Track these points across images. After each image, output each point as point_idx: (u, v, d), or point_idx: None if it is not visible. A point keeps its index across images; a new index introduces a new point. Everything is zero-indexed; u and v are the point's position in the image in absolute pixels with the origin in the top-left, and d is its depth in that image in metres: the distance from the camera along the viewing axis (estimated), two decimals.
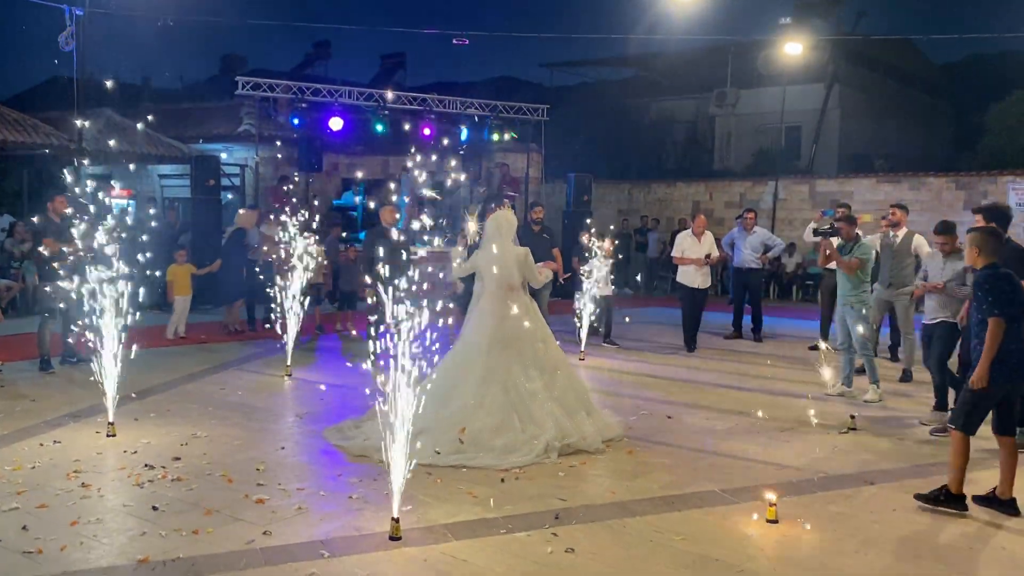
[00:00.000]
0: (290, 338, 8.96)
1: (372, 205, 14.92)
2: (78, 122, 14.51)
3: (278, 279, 8.83)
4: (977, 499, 5.26)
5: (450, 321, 10.48)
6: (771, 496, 5.02)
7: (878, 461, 6.33)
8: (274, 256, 9.31)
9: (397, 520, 4.57)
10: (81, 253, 7.31)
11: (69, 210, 8.64)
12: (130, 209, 16.86)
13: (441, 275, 9.80)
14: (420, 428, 5.98)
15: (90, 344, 6.58)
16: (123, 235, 6.81)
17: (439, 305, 4.94)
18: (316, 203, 9.84)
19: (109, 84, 17.51)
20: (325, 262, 12.22)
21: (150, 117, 16.12)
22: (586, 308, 10.31)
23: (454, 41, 18.75)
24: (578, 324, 10.37)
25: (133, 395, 7.41)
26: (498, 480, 5.63)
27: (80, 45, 14.76)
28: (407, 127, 17.73)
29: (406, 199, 17.80)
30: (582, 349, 10.40)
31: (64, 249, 8.22)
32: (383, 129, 17.62)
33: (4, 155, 16.74)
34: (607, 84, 31.18)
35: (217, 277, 12.15)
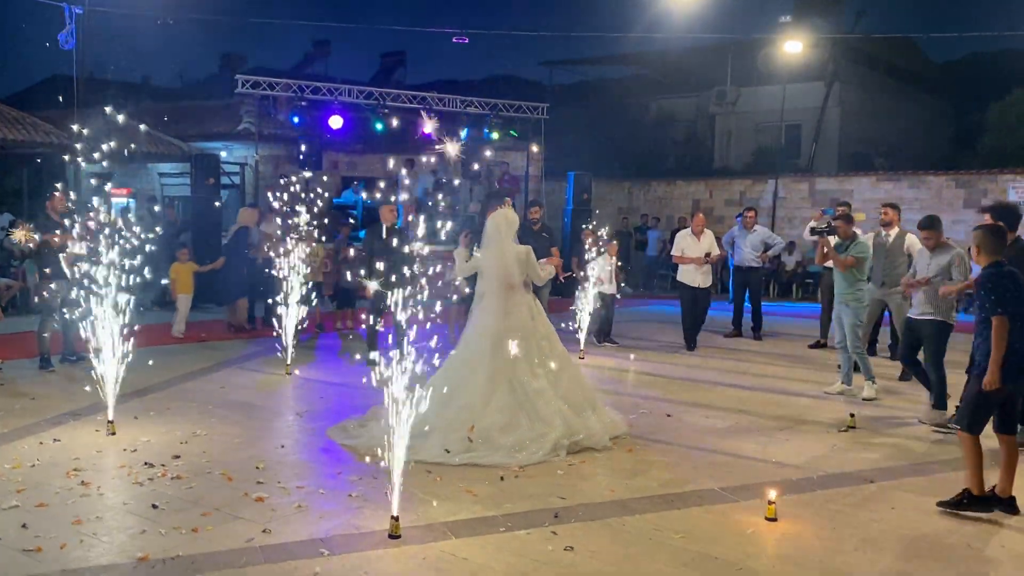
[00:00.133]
0: (290, 336, 8.97)
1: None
2: (76, 125, 14.51)
3: (279, 270, 8.84)
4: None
5: (452, 320, 10.55)
6: (771, 494, 5.03)
7: (877, 459, 6.33)
8: (273, 254, 9.31)
9: (396, 518, 4.58)
10: (80, 242, 7.30)
11: (69, 205, 8.67)
12: (132, 209, 16.85)
13: (443, 273, 9.79)
14: (427, 428, 6.02)
15: (89, 343, 6.59)
16: (123, 231, 6.80)
17: (440, 304, 4.95)
18: (320, 201, 9.80)
19: (109, 82, 17.52)
20: (327, 260, 12.23)
21: (144, 124, 16.13)
22: (586, 307, 10.31)
23: (454, 39, 18.73)
24: (577, 324, 10.37)
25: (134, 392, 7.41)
26: (498, 478, 5.63)
27: (80, 43, 14.77)
28: (396, 124, 17.72)
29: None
30: (582, 348, 10.40)
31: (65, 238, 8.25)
32: (382, 127, 17.63)
33: (4, 154, 16.75)
34: (607, 82, 31.18)
35: (220, 275, 12.16)
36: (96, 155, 7.19)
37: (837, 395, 8.47)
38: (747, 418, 7.56)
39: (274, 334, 9.12)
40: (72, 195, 8.43)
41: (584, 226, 11.38)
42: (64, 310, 8.32)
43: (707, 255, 11.29)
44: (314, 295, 9.69)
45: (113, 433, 6.45)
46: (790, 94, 22.53)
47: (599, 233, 10.58)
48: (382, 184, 14.37)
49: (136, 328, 6.71)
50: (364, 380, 4.77)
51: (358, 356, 9.45)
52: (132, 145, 17.08)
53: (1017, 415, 5.43)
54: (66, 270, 8.19)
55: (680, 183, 23.37)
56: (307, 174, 11.41)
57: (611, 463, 6.09)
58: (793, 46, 21.37)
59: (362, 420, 6.75)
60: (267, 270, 9.41)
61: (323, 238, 12.11)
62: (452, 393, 6.32)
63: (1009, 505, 5.18)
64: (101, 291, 6.47)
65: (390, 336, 4.71)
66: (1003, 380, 5.06)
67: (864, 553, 4.57)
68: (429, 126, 16.08)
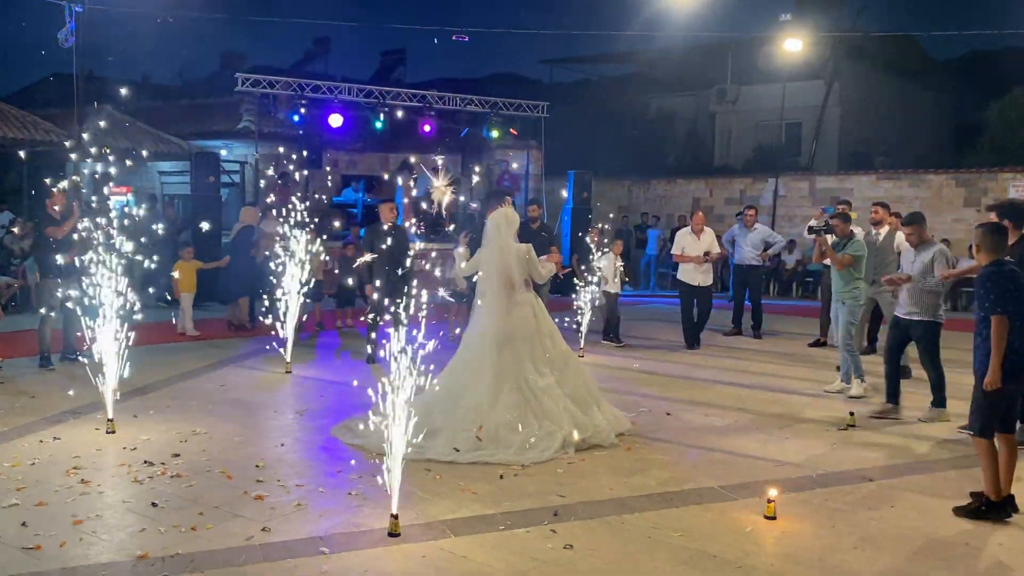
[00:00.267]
0: (290, 335, 8.97)
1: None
2: (76, 123, 14.54)
3: (279, 267, 8.85)
4: (974, 495, 5.25)
5: (452, 318, 10.53)
6: (770, 492, 5.03)
7: (877, 458, 6.33)
8: (268, 252, 9.33)
9: (396, 516, 4.58)
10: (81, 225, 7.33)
11: (72, 210, 8.70)
12: (132, 208, 16.87)
13: (443, 272, 9.81)
14: (435, 428, 6.03)
15: (88, 341, 6.59)
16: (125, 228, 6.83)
17: (439, 302, 4.95)
18: (323, 199, 9.84)
19: (109, 81, 17.55)
20: (327, 258, 12.24)
21: (144, 123, 16.17)
22: (586, 306, 10.32)
23: (454, 37, 18.74)
24: (579, 321, 10.37)
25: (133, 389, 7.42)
26: (497, 477, 5.63)
27: (80, 42, 14.76)
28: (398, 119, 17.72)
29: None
30: (582, 346, 10.41)
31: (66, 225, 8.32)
32: (382, 126, 17.62)
33: (4, 152, 16.75)
34: (607, 81, 31.16)
35: (223, 274, 12.17)
36: (95, 154, 7.21)
37: (837, 393, 8.47)
38: (746, 416, 7.56)
39: (274, 333, 9.12)
40: (76, 179, 8.46)
41: (593, 226, 11.39)
42: (69, 304, 8.35)
43: (706, 253, 11.29)
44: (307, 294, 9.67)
45: (113, 431, 6.45)
46: (790, 92, 22.50)
47: (606, 228, 10.59)
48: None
49: (136, 325, 6.72)
50: (355, 383, 4.77)
51: (358, 354, 9.47)
52: (132, 143, 17.15)
53: (1016, 414, 5.43)
54: (61, 259, 8.22)
55: (680, 182, 23.37)
56: (305, 172, 11.42)
57: (610, 461, 6.09)
58: (793, 44, 21.35)
59: (366, 419, 6.74)
60: (267, 268, 9.41)
61: (325, 235, 12.11)
62: (459, 394, 6.33)
63: (1008, 503, 5.18)
64: (102, 289, 6.48)
65: (389, 333, 4.69)
66: (1005, 380, 5.04)
67: (863, 551, 4.58)
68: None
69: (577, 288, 10.49)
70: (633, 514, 5.02)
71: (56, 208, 8.89)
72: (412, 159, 17.83)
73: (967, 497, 5.25)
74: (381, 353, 4.71)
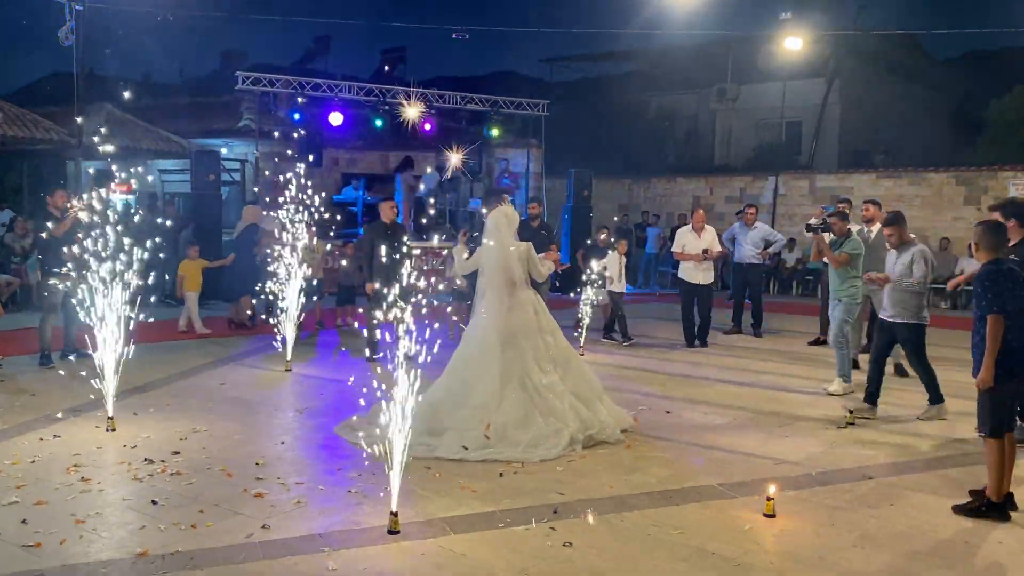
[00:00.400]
0: (290, 333, 8.97)
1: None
2: (76, 121, 14.53)
3: (279, 265, 8.85)
4: (973, 494, 5.26)
5: (452, 317, 10.53)
6: (769, 490, 5.03)
7: (876, 456, 6.34)
8: (269, 250, 9.33)
9: (396, 514, 4.59)
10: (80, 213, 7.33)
11: (70, 203, 8.70)
12: (134, 208, 16.88)
13: (440, 269, 9.81)
14: (442, 427, 6.04)
15: (88, 339, 6.60)
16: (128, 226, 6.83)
17: (438, 300, 4.95)
18: (319, 197, 9.79)
19: (109, 79, 17.55)
20: (327, 256, 12.25)
21: (145, 121, 16.17)
22: (587, 305, 10.32)
23: (454, 35, 18.73)
24: (581, 319, 10.36)
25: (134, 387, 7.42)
26: (496, 474, 5.64)
27: (80, 40, 14.75)
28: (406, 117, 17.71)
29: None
30: (582, 345, 10.41)
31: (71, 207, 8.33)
32: (382, 124, 17.62)
33: (5, 150, 16.75)
34: (607, 79, 31.12)
35: (227, 272, 12.17)
36: (96, 152, 7.23)
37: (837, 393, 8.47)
38: (746, 414, 7.57)
39: (274, 331, 9.13)
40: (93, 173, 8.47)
41: (601, 227, 11.43)
42: (71, 300, 8.36)
43: (705, 251, 11.27)
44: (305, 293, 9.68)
45: (113, 429, 6.46)
46: (791, 91, 22.48)
47: (607, 230, 10.61)
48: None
49: (137, 323, 6.73)
50: (351, 381, 4.77)
51: (358, 352, 9.47)
52: (132, 141, 17.15)
53: (1016, 412, 5.42)
54: (65, 252, 8.23)
55: (680, 180, 23.35)
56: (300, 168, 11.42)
57: (610, 459, 6.10)
58: (793, 43, 21.34)
59: (368, 417, 6.75)
60: (268, 266, 9.42)
61: (330, 232, 12.12)
62: (464, 392, 6.34)
63: (1007, 501, 5.18)
64: (103, 285, 6.48)
65: (387, 335, 4.69)
66: (1001, 380, 5.03)
67: (862, 549, 4.58)
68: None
69: (580, 287, 10.48)
70: (632, 512, 5.02)
71: (57, 206, 8.91)
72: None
73: (967, 495, 5.26)
74: (381, 352, 4.72)
